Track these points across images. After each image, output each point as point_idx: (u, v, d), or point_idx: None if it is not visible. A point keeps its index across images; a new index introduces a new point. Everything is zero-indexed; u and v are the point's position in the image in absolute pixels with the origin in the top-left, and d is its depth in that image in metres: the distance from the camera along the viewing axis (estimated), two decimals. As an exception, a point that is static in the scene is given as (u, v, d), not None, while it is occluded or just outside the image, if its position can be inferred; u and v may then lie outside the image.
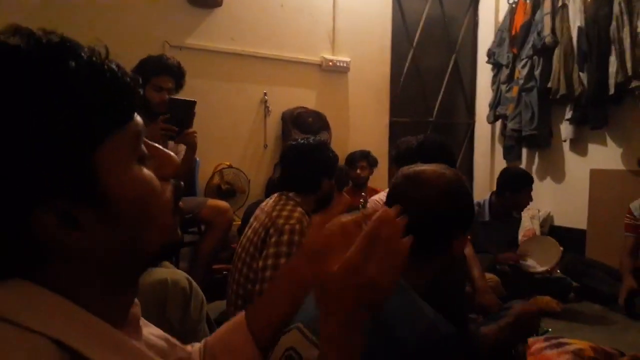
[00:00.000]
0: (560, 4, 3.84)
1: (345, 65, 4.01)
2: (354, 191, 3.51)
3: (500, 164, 4.62)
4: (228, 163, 3.44)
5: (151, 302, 1.18)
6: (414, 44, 4.52)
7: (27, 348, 0.41)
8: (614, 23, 3.47)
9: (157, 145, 0.54)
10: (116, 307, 0.51)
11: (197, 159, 3.08)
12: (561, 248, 3.04)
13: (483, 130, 4.83)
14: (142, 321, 0.61)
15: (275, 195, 2.07)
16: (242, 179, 3.41)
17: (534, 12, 4.05)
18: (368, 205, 2.52)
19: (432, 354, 0.91)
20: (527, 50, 4.07)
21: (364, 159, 3.68)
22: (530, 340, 2.21)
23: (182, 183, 0.58)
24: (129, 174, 0.48)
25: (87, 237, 0.45)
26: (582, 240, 3.67)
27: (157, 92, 2.40)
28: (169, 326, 1.22)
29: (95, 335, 0.46)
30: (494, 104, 4.46)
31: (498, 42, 4.43)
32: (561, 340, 2.21)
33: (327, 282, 0.57)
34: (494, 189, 3.16)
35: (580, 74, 3.70)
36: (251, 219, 2.09)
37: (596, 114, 3.65)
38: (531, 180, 3.01)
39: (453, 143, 4.84)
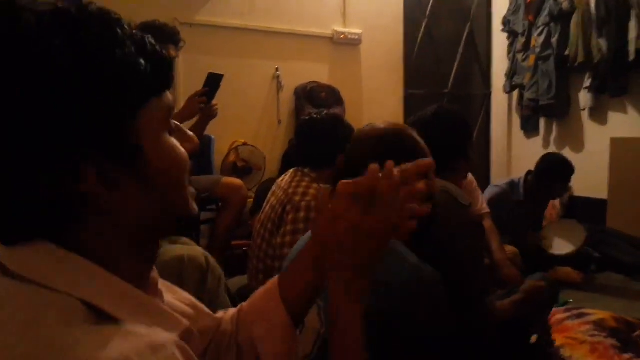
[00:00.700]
0: (578, -33, 3.70)
1: (357, 37, 3.94)
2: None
3: (518, 134, 4.55)
4: (243, 140, 3.43)
5: (168, 278, 1.19)
6: (427, 13, 4.41)
7: (57, 307, 0.43)
8: (633, -14, 3.35)
9: (178, 123, 0.56)
10: (138, 271, 0.53)
11: (212, 136, 3.08)
12: (586, 231, 2.97)
13: (500, 100, 4.74)
14: (166, 286, 0.63)
15: (291, 171, 2.07)
16: (258, 155, 3.40)
17: (550, -22, 3.92)
18: None
19: (417, 295, 0.94)
20: (544, 17, 3.95)
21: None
22: (552, 310, 2.21)
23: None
24: (163, 141, 0.52)
25: (123, 197, 0.48)
26: (602, 210, 3.62)
27: None
28: (186, 300, 1.23)
29: (119, 295, 0.48)
30: (511, 74, 4.36)
31: (513, 9, 4.31)
32: (582, 310, 2.20)
33: (327, 239, 0.59)
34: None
35: (599, 40, 3.58)
36: (268, 196, 2.09)
37: (616, 82, 3.55)
38: (572, 172, 2.87)
39: (469, 114, 4.77)
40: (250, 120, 3.57)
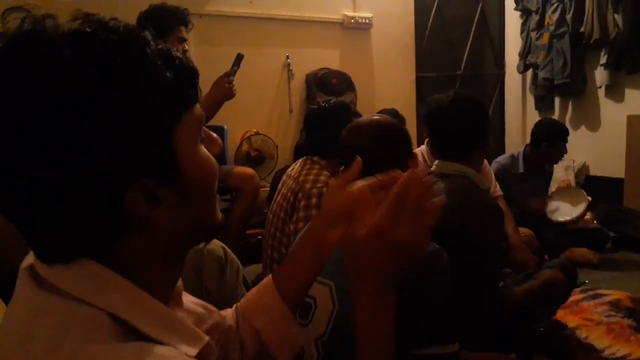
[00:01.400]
0: (592, -59, 3.61)
1: (367, 21, 3.91)
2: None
3: (532, 114, 4.49)
4: (255, 130, 3.45)
5: (189, 272, 1.22)
6: (438, -6, 4.35)
7: (85, 323, 0.45)
8: (651, -42, 3.26)
9: (205, 128, 0.58)
10: (167, 283, 0.56)
11: (225, 127, 3.11)
12: (589, 197, 2.97)
13: (514, 80, 4.68)
14: (184, 298, 0.65)
15: (301, 160, 2.09)
16: (270, 144, 3.42)
17: (563, -48, 3.83)
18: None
19: (421, 269, 0.95)
20: (558, -7, 3.87)
21: (391, 117, 3.63)
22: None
23: None
24: (197, 153, 0.53)
25: (164, 213, 0.50)
26: (619, 189, 3.57)
27: (180, 44, 2.38)
28: (207, 294, 1.26)
29: (146, 310, 0.49)
30: (524, 53, 4.30)
31: (527, -13, 4.23)
32: (598, 291, 2.19)
33: (356, 247, 0.57)
34: (526, 140, 3.09)
35: (615, 15, 3.51)
36: (279, 185, 2.11)
37: (633, 58, 3.48)
38: (567, 132, 2.96)
39: (483, 95, 4.71)
40: (261, 109, 3.58)
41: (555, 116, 4.24)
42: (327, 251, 0.72)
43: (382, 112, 3.67)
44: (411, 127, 4.01)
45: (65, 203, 0.45)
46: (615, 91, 3.77)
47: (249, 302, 0.75)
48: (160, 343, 0.48)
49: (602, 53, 3.70)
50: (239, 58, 2.52)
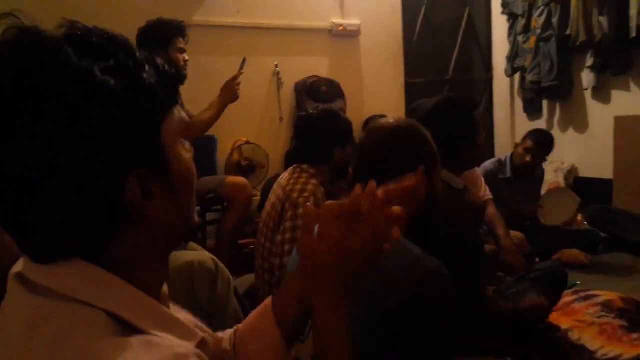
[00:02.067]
0: (575, -55, 3.66)
1: (356, 29, 3.94)
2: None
3: (521, 117, 4.53)
4: (245, 139, 3.45)
5: (180, 284, 1.22)
6: (425, 1, 4.38)
7: (85, 321, 0.47)
8: (632, -39, 3.30)
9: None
10: (156, 283, 0.57)
11: (216, 137, 3.10)
12: (579, 199, 3.00)
13: (502, 84, 4.72)
14: (172, 306, 0.64)
15: (291, 168, 2.09)
16: (261, 153, 3.42)
17: (548, -43, 3.88)
18: None
19: (423, 287, 0.95)
20: (544, -3, 3.91)
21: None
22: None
23: None
24: (179, 151, 0.56)
25: (156, 206, 0.53)
26: (608, 190, 3.60)
27: (180, 54, 2.57)
28: (198, 305, 1.26)
29: (142, 307, 0.51)
30: (512, 57, 4.34)
31: (513, -9, 4.28)
32: (589, 292, 2.21)
33: (311, 258, 0.61)
34: (515, 144, 3.12)
35: (600, 18, 3.55)
36: (270, 194, 2.11)
37: (618, 59, 3.52)
38: (548, 136, 3.06)
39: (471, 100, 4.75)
40: (251, 118, 3.58)
41: (543, 119, 4.28)
42: None
43: (370, 119, 3.69)
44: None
45: (69, 195, 0.47)
46: (601, 93, 3.81)
47: (247, 325, 0.74)
48: None
49: (588, 55, 3.74)
50: (243, 62, 2.76)
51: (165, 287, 0.61)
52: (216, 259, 1.38)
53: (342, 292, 0.62)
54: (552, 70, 3.90)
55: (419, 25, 4.38)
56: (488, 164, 3.10)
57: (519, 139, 3.13)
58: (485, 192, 2.52)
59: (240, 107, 3.51)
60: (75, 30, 0.50)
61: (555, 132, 4.19)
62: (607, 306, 2.09)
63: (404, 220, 0.61)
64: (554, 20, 3.86)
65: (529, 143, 2.97)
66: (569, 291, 2.31)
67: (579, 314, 2.08)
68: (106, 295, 0.49)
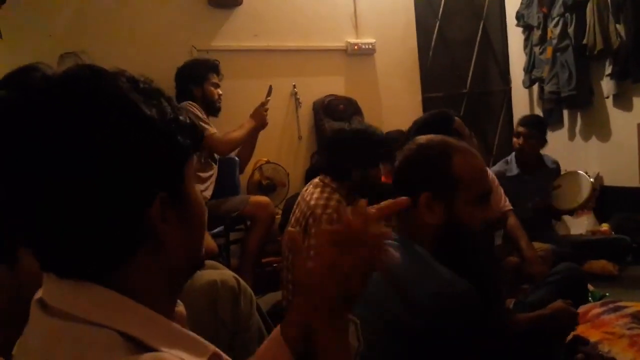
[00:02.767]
0: (589, -46, 3.65)
1: (370, 47, 3.98)
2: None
3: (541, 128, 4.48)
4: (266, 159, 3.50)
5: (204, 303, 1.25)
6: (439, 15, 4.42)
7: (99, 342, 0.49)
8: (648, -33, 3.29)
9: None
10: (168, 305, 0.61)
11: (237, 158, 3.16)
12: (592, 181, 2.95)
13: (520, 96, 4.69)
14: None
15: (315, 180, 2.11)
16: (281, 172, 3.46)
17: (561, -33, 3.88)
18: None
19: (448, 312, 0.92)
20: (558, 8, 3.90)
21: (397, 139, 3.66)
22: (587, 306, 2.18)
23: None
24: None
25: (171, 232, 0.57)
26: (636, 199, 3.52)
27: (215, 89, 2.90)
28: (222, 324, 1.28)
29: (152, 325, 0.54)
30: (529, 68, 4.32)
31: (526, 3, 4.27)
32: (618, 304, 2.16)
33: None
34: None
35: (617, 25, 3.52)
36: (294, 207, 2.15)
37: (638, 66, 3.46)
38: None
39: (490, 112, 4.74)
40: (271, 138, 3.62)
41: (565, 129, 4.24)
42: None
43: (388, 134, 3.70)
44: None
45: (102, 210, 0.51)
46: (623, 100, 3.76)
47: (261, 354, 0.74)
48: None
49: (607, 63, 3.71)
50: (270, 90, 3.05)
51: (182, 309, 0.64)
52: (238, 278, 1.41)
53: (338, 311, 0.64)
54: (571, 79, 3.87)
55: (433, 40, 4.41)
56: (495, 166, 3.11)
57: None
58: (505, 203, 2.50)
59: (260, 127, 3.59)
60: (125, 73, 0.57)
61: (578, 141, 4.14)
62: (637, 317, 2.04)
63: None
64: (570, 30, 3.84)
65: (518, 128, 3.03)
66: (598, 302, 2.26)
67: (608, 326, 2.03)
68: (118, 316, 0.52)
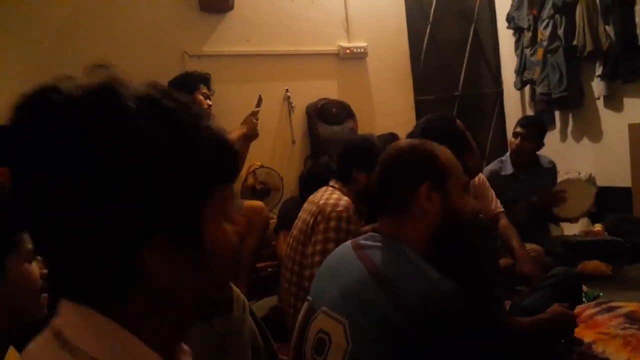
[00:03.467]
0: (577, -43, 3.69)
1: (362, 50, 3.99)
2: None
3: (534, 129, 4.50)
4: (259, 163, 3.49)
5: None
6: (430, 19, 4.44)
7: None
8: (635, -31, 3.32)
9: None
10: (172, 343, 0.57)
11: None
12: (595, 189, 2.94)
13: (512, 97, 4.72)
14: None
15: (323, 187, 2.15)
16: (275, 177, 3.46)
17: (550, -30, 3.91)
18: None
19: (435, 311, 0.93)
20: (548, 10, 3.93)
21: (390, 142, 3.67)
22: (582, 306, 2.19)
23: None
24: (221, 228, 0.55)
25: (176, 275, 0.51)
26: (628, 199, 3.55)
27: (204, 99, 2.94)
28: (210, 327, 1.27)
29: None
30: (520, 70, 4.35)
31: (517, 5, 4.30)
32: (612, 304, 2.17)
33: None
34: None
35: (606, 27, 3.56)
36: (300, 212, 2.17)
37: (627, 67, 3.50)
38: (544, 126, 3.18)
39: (482, 115, 4.76)
40: (264, 142, 3.62)
41: (557, 130, 4.26)
42: None
43: (381, 137, 3.71)
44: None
45: (86, 243, 0.48)
46: (614, 101, 3.79)
47: None
48: None
49: (597, 64, 3.74)
50: (259, 100, 3.10)
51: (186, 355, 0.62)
52: (231, 284, 1.40)
53: None
54: (562, 81, 3.90)
55: (425, 43, 4.42)
56: (490, 165, 3.11)
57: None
58: (497, 205, 2.51)
59: (252, 132, 3.59)
60: (151, 91, 0.52)
61: (570, 142, 4.17)
62: (630, 317, 2.05)
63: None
64: (560, 31, 3.87)
65: (517, 128, 3.03)
66: (592, 303, 2.27)
67: (602, 326, 2.04)
68: (121, 354, 0.50)
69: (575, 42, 3.75)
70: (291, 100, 3.72)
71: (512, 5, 4.37)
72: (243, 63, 3.58)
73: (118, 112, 0.48)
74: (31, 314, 1.02)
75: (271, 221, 3.06)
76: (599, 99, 3.85)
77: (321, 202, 2.02)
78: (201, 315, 0.60)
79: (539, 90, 4.12)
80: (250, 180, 3.40)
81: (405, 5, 4.23)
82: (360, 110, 3.86)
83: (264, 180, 3.43)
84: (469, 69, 4.65)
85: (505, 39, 4.64)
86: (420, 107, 4.31)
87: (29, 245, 1.00)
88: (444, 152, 1.17)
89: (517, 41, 4.41)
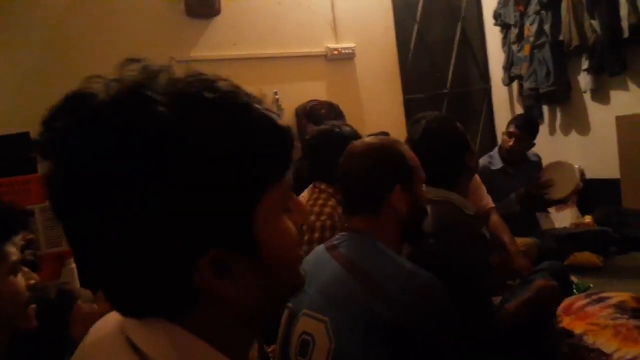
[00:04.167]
0: (561, -48, 3.72)
1: (350, 51, 4.01)
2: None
3: (523, 125, 4.53)
4: (250, 166, 3.50)
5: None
6: (417, 18, 4.46)
7: None
8: (618, -37, 3.35)
9: (293, 194, 0.56)
10: (245, 344, 0.55)
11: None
12: (578, 167, 2.96)
13: (500, 93, 4.74)
14: None
15: (309, 187, 2.10)
16: (266, 179, 3.46)
17: (534, -34, 3.94)
18: None
19: (417, 302, 0.96)
20: (534, 5, 3.96)
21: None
22: (572, 298, 2.20)
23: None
24: (279, 225, 0.51)
25: (238, 285, 0.47)
26: (617, 190, 3.58)
27: None
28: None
29: None
30: (508, 66, 4.37)
31: (503, 2, 4.33)
32: (602, 295, 2.18)
33: None
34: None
35: (592, 21, 3.58)
36: None
37: (613, 60, 3.53)
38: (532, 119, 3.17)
39: (471, 111, 4.78)
40: (255, 145, 3.62)
41: (545, 124, 4.29)
42: None
43: (370, 136, 3.71)
44: (404, 148, 4.04)
45: (137, 259, 0.44)
46: (600, 94, 3.82)
47: None
48: None
49: (583, 58, 3.76)
50: None
51: (255, 352, 0.62)
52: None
53: None
54: (549, 76, 3.92)
55: (413, 42, 4.45)
56: (480, 160, 3.10)
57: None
58: (488, 201, 2.52)
59: (242, 136, 3.58)
60: (192, 88, 0.46)
61: (558, 136, 4.20)
62: (620, 307, 2.07)
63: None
64: (546, 27, 3.89)
65: (511, 127, 3.02)
66: (582, 294, 2.29)
67: (592, 317, 2.05)
68: None
69: (561, 38, 3.78)
70: (280, 103, 3.73)
71: (498, 2, 4.39)
72: (231, 67, 3.58)
73: (147, 120, 0.43)
74: (19, 325, 1.03)
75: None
76: (585, 92, 3.88)
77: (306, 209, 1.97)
78: (272, 311, 0.57)
79: (526, 85, 4.15)
80: (242, 183, 3.41)
81: (392, 4, 4.25)
82: (349, 110, 3.87)
83: (255, 183, 3.44)
84: (457, 67, 4.67)
85: (492, 35, 4.67)
86: (409, 106, 4.33)
87: (14, 257, 1.01)
88: (407, 150, 1.21)
89: (504, 37, 4.44)
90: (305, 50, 3.85)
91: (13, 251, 1.00)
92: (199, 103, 0.45)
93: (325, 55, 3.94)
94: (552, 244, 2.88)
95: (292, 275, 0.54)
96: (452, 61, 4.65)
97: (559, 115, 4.21)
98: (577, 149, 4.05)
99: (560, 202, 2.96)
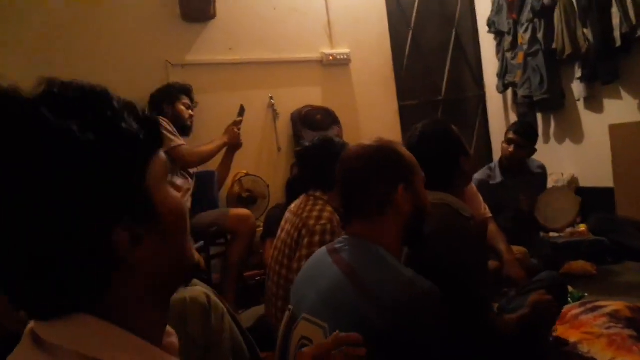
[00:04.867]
0: (554, -38, 3.75)
1: (345, 57, 4.01)
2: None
3: (517, 132, 4.55)
4: (245, 171, 3.49)
5: (173, 320, 1.23)
6: (412, 25, 4.48)
7: None
8: (611, -27, 3.38)
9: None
10: (156, 327, 0.59)
11: (215, 171, 3.15)
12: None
13: (495, 100, 4.76)
14: None
15: (302, 196, 2.10)
16: (261, 184, 3.45)
17: (528, -25, 3.97)
18: None
19: (413, 311, 0.95)
20: (527, 14, 3.99)
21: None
22: (567, 307, 2.20)
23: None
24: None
25: (146, 251, 0.53)
26: (611, 199, 3.60)
27: (186, 109, 3.00)
28: (192, 341, 1.27)
29: (142, 356, 0.53)
30: (502, 73, 4.39)
31: (496, 10, 4.36)
32: (596, 304, 2.19)
33: None
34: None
35: (584, 30, 3.61)
36: (282, 223, 2.13)
37: (606, 69, 3.56)
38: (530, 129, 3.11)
39: (465, 118, 4.79)
40: (250, 150, 3.62)
41: (539, 132, 4.31)
42: None
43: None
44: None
45: (56, 251, 0.48)
46: (594, 102, 3.85)
47: None
48: None
49: (577, 67, 3.79)
50: (241, 110, 3.20)
51: (174, 339, 0.63)
52: (209, 294, 1.39)
53: None
54: (543, 83, 3.95)
55: (407, 48, 4.46)
56: (478, 174, 3.09)
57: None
58: (485, 210, 2.52)
59: (237, 141, 3.57)
60: (53, 88, 0.51)
61: (552, 144, 4.22)
62: (614, 316, 2.07)
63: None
64: (539, 35, 3.92)
65: (510, 134, 3.00)
66: (577, 303, 2.29)
67: (587, 326, 2.06)
68: (108, 347, 0.51)
69: (554, 46, 3.81)
70: (275, 108, 3.72)
71: (492, 10, 4.42)
72: (226, 71, 3.58)
73: (29, 117, 0.48)
74: (9, 329, 1.01)
75: (258, 229, 3.05)
76: (579, 100, 3.91)
77: (304, 214, 1.97)
78: (178, 279, 0.61)
79: (520, 93, 4.17)
80: (236, 188, 3.39)
81: (387, 11, 4.27)
82: (344, 116, 3.87)
83: (250, 188, 3.42)
84: (452, 74, 4.69)
85: (487, 42, 4.70)
86: (404, 112, 4.34)
87: None
88: (404, 150, 1.20)
89: (498, 45, 4.46)
90: (300, 55, 3.85)
91: None
92: (66, 100, 0.51)
93: (321, 61, 3.94)
94: (548, 253, 2.88)
95: (187, 245, 0.60)
96: (447, 68, 4.67)
97: (552, 123, 4.24)
98: (571, 157, 4.08)
99: (555, 231, 2.96)
